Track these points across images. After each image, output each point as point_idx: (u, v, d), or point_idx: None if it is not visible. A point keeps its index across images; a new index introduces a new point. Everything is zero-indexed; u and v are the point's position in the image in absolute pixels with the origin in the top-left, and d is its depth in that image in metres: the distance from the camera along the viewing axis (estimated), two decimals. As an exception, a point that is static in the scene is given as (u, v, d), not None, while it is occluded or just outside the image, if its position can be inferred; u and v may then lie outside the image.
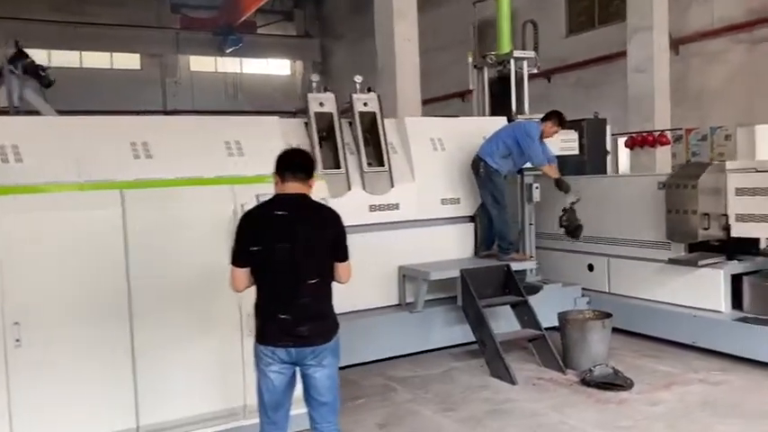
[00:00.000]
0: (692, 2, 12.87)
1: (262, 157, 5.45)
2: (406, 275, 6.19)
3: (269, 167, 4.86)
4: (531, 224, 6.97)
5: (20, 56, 9.20)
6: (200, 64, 25.10)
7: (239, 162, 5.47)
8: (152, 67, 24.16)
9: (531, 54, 6.99)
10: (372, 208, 6.09)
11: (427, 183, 6.39)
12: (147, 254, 3.94)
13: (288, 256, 3.12)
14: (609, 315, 5.79)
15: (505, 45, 7.20)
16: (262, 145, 5.67)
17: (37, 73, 9.22)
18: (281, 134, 5.83)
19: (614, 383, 5.13)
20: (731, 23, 12.17)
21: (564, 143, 7.38)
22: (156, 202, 4.02)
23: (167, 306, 3.96)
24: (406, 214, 6.26)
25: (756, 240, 6.12)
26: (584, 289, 7.08)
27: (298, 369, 3.26)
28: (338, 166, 5.95)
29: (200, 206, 4.13)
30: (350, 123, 6.23)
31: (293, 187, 3.25)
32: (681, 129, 12.63)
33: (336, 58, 24.94)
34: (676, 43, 12.91)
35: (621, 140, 12.06)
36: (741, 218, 5.77)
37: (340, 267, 3.31)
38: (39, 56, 21.89)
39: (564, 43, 15.93)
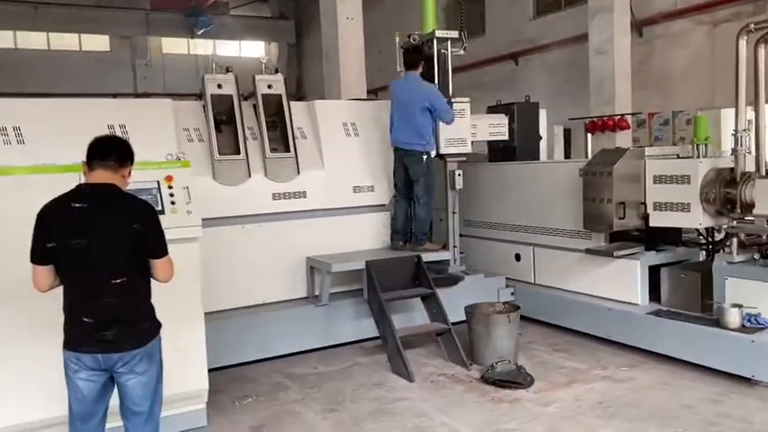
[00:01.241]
0: (655, -19, 12.52)
1: (148, 141, 5.21)
2: (314, 267, 5.92)
3: (156, 151, 4.59)
4: (454, 212, 6.66)
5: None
6: (173, 46, 24.61)
7: (124, 147, 5.19)
8: (122, 49, 23.69)
9: (453, 34, 6.62)
10: (276, 196, 5.81)
11: (338, 170, 6.10)
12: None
13: (85, 252, 2.84)
14: (517, 308, 5.54)
15: (429, 24, 6.85)
16: (149, 128, 5.40)
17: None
18: (174, 117, 5.55)
19: (514, 381, 4.88)
20: (693, 4, 11.83)
21: (493, 128, 7.11)
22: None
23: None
24: (314, 203, 5.98)
25: (679, 230, 5.86)
26: (510, 279, 6.84)
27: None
28: (238, 152, 5.65)
29: (41, 196, 3.79)
30: (255, 107, 5.92)
31: (100, 176, 2.96)
32: (641, 113, 12.34)
33: (311, 39, 24.44)
34: (640, 24, 12.57)
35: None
36: (659, 206, 5.49)
37: (157, 264, 3.03)
38: (4, 37, 21.48)
39: (531, 25, 15.55)
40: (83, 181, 3.02)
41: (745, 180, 5.10)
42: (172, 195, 4.10)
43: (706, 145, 5.41)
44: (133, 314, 2.97)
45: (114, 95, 21.25)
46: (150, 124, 5.38)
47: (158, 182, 4.09)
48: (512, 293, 6.67)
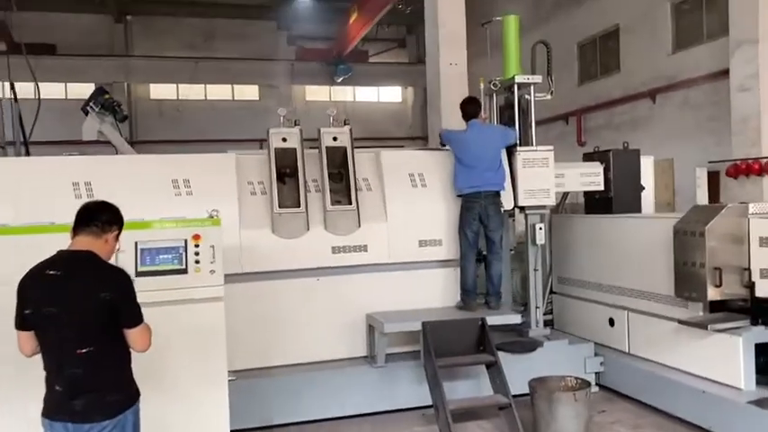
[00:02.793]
0: (811, 5, 11.03)
1: (211, 194, 5.36)
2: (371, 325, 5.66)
3: (218, 205, 4.66)
4: (536, 270, 6.12)
5: (99, 93, 9.78)
6: (315, 93, 25.84)
7: (186, 201, 5.33)
8: (269, 98, 25.22)
9: (537, 79, 6.15)
10: (335, 250, 5.64)
11: (402, 222, 5.81)
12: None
13: (55, 320, 2.81)
14: (588, 385, 4.88)
15: (512, 69, 6.42)
16: (213, 182, 5.53)
17: (113, 108, 9.78)
18: (236, 171, 5.62)
19: (571, 473, 4.27)
20: None
21: (585, 177, 6.49)
22: (15, 251, 3.82)
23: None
24: (375, 257, 5.72)
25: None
26: (602, 346, 6.11)
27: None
28: (298, 205, 5.59)
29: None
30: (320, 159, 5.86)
31: (82, 242, 2.95)
32: (795, 155, 10.81)
33: (446, 83, 24.52)
34: (795, 55, 11.11)
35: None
36: (767, 274, 4.62)
37: (130, 334, 2.94)
38: (168, 90, 23.69)
39: (670, 60, 14.37)
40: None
41: None
42: (197, 254, 4.08)
43: (828, 201, 4.50)
44: (103, 385, 2.89)
45: (260, 141, 22.74)
46: (213, 179, 5.50)
47: (185, 240, 4.10)
48: (600, 363, 5.95)
